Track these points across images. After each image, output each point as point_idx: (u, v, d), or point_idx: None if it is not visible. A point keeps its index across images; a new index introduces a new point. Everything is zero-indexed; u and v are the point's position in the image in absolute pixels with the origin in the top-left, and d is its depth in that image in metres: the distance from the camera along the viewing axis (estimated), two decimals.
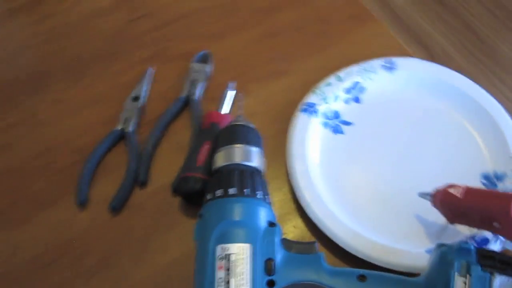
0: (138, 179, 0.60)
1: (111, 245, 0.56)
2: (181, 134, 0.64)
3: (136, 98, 0.66)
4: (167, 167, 0.60)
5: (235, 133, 0.53)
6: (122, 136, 0.63)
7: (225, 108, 0.64)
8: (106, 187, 0.59)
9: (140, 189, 0.60)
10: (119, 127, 0.63)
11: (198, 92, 0.66)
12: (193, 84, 0.67)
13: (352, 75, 0.65)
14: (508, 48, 1.79)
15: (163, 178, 0.60)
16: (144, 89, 0.67)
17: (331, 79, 0.64)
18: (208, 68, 0.68)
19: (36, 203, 0.59)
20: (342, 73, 0.65)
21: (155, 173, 0.61)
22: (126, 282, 0.54)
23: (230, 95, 0.65)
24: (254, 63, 0.71)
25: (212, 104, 0.65)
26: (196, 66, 0.69)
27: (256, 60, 0.71)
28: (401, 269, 0.50)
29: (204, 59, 0.70)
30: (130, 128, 0.63)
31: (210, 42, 0.73)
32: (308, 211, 0.55)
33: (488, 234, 0.52)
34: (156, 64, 0.71)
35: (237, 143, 0.51)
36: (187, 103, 0.66)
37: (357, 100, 0.65)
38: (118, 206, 0.58)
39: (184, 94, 0.66)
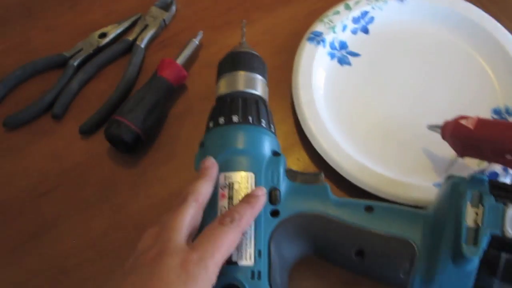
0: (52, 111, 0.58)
1: (108, 176, 0.54)
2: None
3: (103, 35, 0.62)
4: None
5: (238, 59, 0.49)
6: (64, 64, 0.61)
7: (183, 58, 0.60)
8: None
9: None
10: (67, 54, 0.61)
11: (146, 39, 0.62)
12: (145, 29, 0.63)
13: (361, 4, 0.61)
14: None
15: None
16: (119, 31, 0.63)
17: (340, 7, 0.61)
18: (169, 15, 0.64)
19: (33, 131, 0.57)
20: (351, 2, 0.61)
21: None
22: (122, 214, 0.52)
23: (193, 45, 0.61)
24: None
25: None
26: (154, 10, 0.64)
27: None
28: (409, 202, 0.49)
29: (167, 5, 0.65)
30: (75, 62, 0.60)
31: None
32: (313, 142, 0.53)
33: (497, 168, 0.51)
34: None
35: (241, 70, 0.48)
36: (130, 47, 0.62)
37: (365, 30, 0.61)
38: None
39: (132, 37, 0.62)
